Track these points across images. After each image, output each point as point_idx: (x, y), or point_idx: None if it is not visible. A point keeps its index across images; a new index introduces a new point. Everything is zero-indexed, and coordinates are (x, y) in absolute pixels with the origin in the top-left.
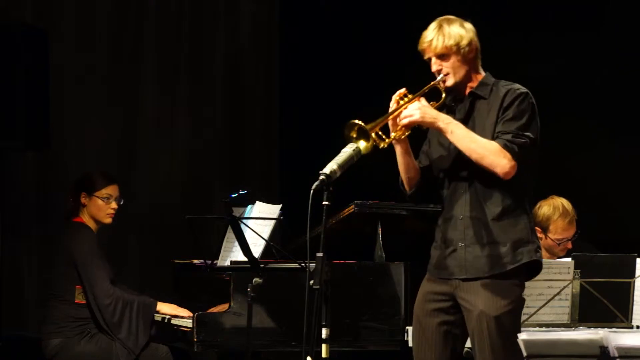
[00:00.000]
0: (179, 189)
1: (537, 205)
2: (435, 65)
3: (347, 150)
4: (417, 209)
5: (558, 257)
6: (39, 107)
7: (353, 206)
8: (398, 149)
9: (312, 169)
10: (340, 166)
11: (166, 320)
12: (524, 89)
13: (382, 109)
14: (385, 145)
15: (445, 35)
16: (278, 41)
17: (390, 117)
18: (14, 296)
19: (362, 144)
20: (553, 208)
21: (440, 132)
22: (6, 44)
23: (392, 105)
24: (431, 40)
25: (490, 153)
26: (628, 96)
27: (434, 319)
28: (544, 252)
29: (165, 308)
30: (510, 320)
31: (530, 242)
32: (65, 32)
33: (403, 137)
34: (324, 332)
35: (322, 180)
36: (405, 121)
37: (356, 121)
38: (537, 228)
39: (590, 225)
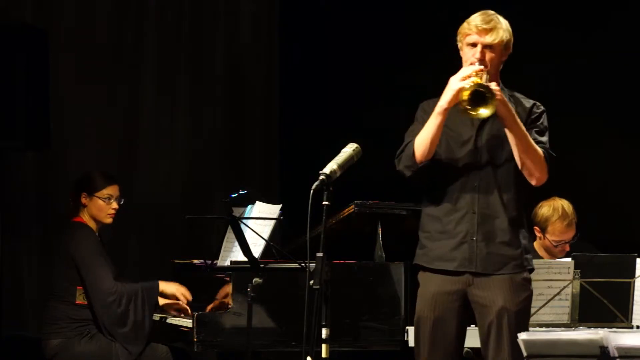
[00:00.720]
0: (179, 189)
1: (538, 205)
2: (479, 53)
3: (347, 150)
4: (418, 209)
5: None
6: (39, 107)
7: (353, 206)
8: (440, 120)
9: (312, 169)
10: (340, 166)
11: (164, 320)
12: (542, 106)
13: (382, 109)
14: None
15: (505, 29)
16: (278, 41)
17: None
18: (14, 296)
19: (485, 110)
20: (553, 209)
21: (506, 120)
22: (6, 44)
23: (471, 76)
24: (491, 30)
25: (536, 158)
26: (629, 96)
27: (452, 320)
28: (543, 252)
29: (167, 288)
30: (527, 316)
31: (530, 251)
32: (65, 32)
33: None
34: (324, 332)
35: (322, 180)
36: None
37: (478, 83)
38: (535, 228)
39: (590, 225)
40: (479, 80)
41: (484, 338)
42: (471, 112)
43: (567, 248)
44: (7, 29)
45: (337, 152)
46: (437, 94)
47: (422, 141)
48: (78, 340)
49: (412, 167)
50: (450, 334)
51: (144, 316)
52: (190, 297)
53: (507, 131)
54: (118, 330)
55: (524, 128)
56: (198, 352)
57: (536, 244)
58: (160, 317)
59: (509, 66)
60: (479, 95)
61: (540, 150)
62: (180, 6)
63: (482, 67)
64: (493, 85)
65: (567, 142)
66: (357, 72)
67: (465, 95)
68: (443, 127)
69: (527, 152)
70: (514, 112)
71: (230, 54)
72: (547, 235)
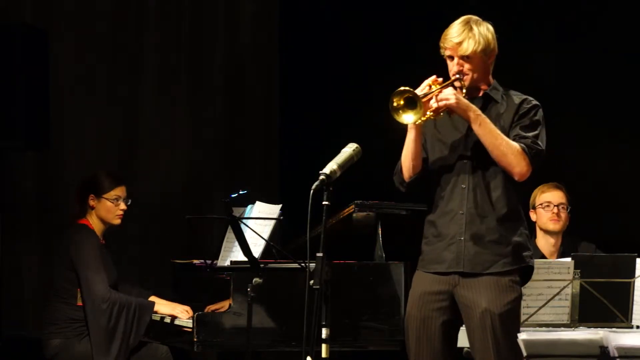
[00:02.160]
0: (179, 189)
1: None
2: (457, 66)
3: (347, 150)
4: (417, 209)
5: (555, 251)
6: (39, 107)
7: (353, 206)
8: (413, 134)
9: (312, 169)
10: (340, 166)
11: (168, 322)
12: (536, 101)
13: (382, 109)
14: (420, 121)
15: (476, 38)
16: (278, 41)
17: (428, 96)
18: (14, 296)
19: (409, 117)
20: (542, 184)
21: (468, 122)
22: (6, 44)
23: (424, 88)
24: (461, 42)
25: (512, 153)
26: (629, 95)
27: (436, 320)
28: (542, 243)
29: (163, 308)
30: (513, 318)
31: (528, 248)
32: (65, 32)
33: (434, 117)
34: (324, 332)
35: (322, 180)
36: (442, 104)
37: (408, 89)
38: (531, 211)
39: (590, 225)
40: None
41: (470, 340)
42: (397, 118)
43: (556, 211)
44: (7, 29)
45: (337, 152)
46: None
47: (404, 158)
48: (78, 340)
49: (403, 183)
50: (435, 334)
51: (132, 330)
52: (191, 313)
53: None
54: (102, 344)
55: (489, 125)
56: (198, 352)
57: (537, 241)
58: (161, 317)
59: (509, 65)
60: (411, 101)
61: (516, 144)
62: (180, 6)
63: (434, 77)
64: (448, 91)
65: (567, 142)
66: (357, 72)
67: (400, 101)
68: (435, 133)
69: (496, 148)
70: (476, 114)
71: (230, 54)
72: (537, 204)
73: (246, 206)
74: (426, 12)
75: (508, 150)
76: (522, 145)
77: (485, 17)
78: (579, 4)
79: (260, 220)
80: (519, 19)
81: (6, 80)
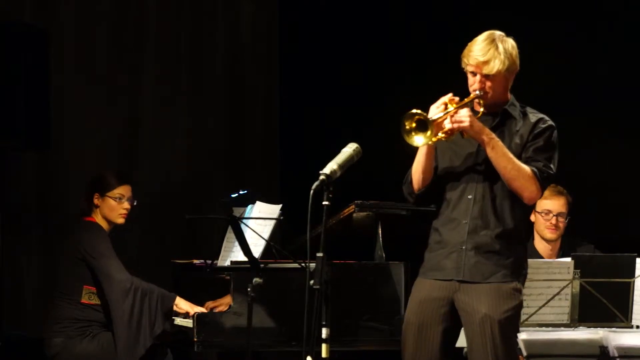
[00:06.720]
0: (179, 189)
1: None
2: (479, 84)
3: (347, 150)
4: (418, 209)
5: (553, 254)
6: (39, 107)
7: (353, 206)
8: (425, 149)
9: (312, 169)
10: (341, 166)
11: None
12: (552, 122)
13: (382, 109)
14: (430, 142)
15: (502, 58)
16: (278, 41)
17: (443, 117)
18: (14, 296)
19: (419, 139)
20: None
21: (482, 145)
22: (6, 44)
23: (440, 107)
24: (488, 61)
25: (523, 177)
26: (629, 95)
27: (436, 327)
28: (539, 245)
29: (182, 303)
30: (512, 325)
31: (526, 267)
32: (65, 32)
33: (445, 139)
34: (324, 332)
35: (322, 180)
36: (455, 126)
37: (419, 111)
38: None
39: (590, 225)
40: (422, 112)
41: (469, 345)
42: (407, 139)
43: (554, 221)
44: (7, 29)
45: (337, 152)
46: (438, 94)
47: (414, 171)
48: (80, 340)
49: (412, 194)
50: (434, 340)
51: (156, 317)
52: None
53: None
54: (130, 336)
55: (501, 149)
56: (198, 352)
57: (535, 243)
58: None
59: None
60: (422, 123)
61: (527, 168)
62: (180, 6)
63: (450, 96)
64: (463, 112)
65: (567, 142)
66: (357, 72)
67: (411, 124)
68: (447, 142)
69: (508, 172)
70: (489, 137)
71: (230, 54)
72: (537, 209)
73: (246, 206)
74: (426, 12)
75: (519, 174)
76: (534, 169)
77: (485, 17)
78: (578, 4)
79: (260, 220)
80: (518, 19)
81: (6, 80)
